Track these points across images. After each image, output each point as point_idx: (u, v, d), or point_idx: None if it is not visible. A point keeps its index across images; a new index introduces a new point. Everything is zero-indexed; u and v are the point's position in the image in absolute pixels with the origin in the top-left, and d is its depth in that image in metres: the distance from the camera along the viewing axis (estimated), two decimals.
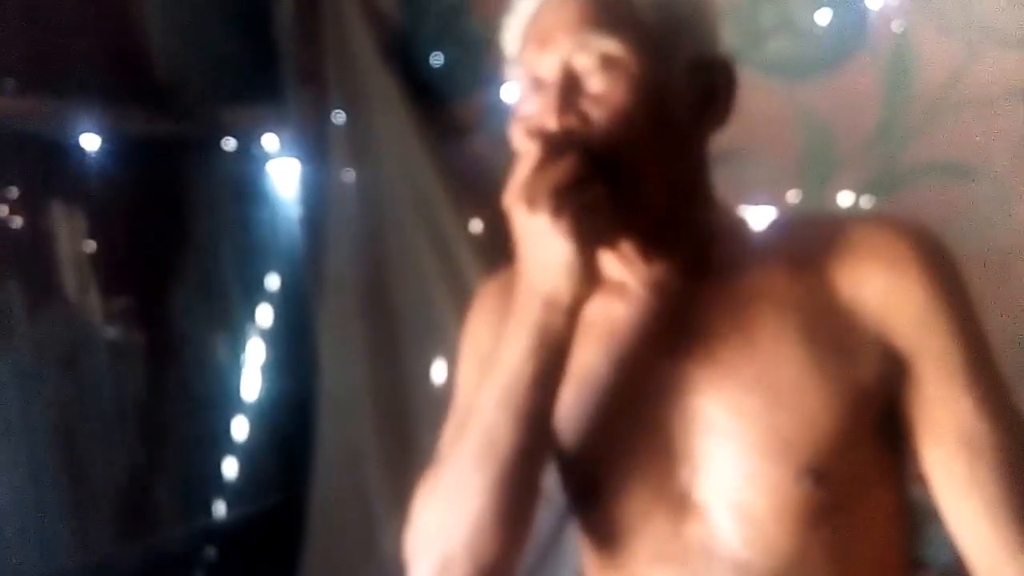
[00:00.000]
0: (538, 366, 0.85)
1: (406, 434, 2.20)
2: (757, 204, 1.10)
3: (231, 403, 2.33)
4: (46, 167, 1.98)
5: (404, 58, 2.33)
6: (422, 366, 2.24)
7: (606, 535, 0.93)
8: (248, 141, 2.40)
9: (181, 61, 2.24)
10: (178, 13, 2.25)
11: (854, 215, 1.70)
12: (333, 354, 2.33)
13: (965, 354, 0.85)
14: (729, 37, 0.95)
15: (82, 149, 2.03)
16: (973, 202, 1.74)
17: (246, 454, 2.32)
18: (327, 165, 2.36)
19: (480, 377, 0.89)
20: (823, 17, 1.87)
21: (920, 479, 0.88)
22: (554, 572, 1.84)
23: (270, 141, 2.42)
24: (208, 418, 2.29)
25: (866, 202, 1.86)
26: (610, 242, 0.89)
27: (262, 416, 2.35)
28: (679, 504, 0.89)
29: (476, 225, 2.24)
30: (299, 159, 2.43)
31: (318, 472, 2.30)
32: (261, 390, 2.37)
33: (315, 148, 2.38)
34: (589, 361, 0.92)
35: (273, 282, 2.42)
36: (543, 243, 0.83)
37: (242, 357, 2.37)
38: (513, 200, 0.83)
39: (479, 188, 2.09)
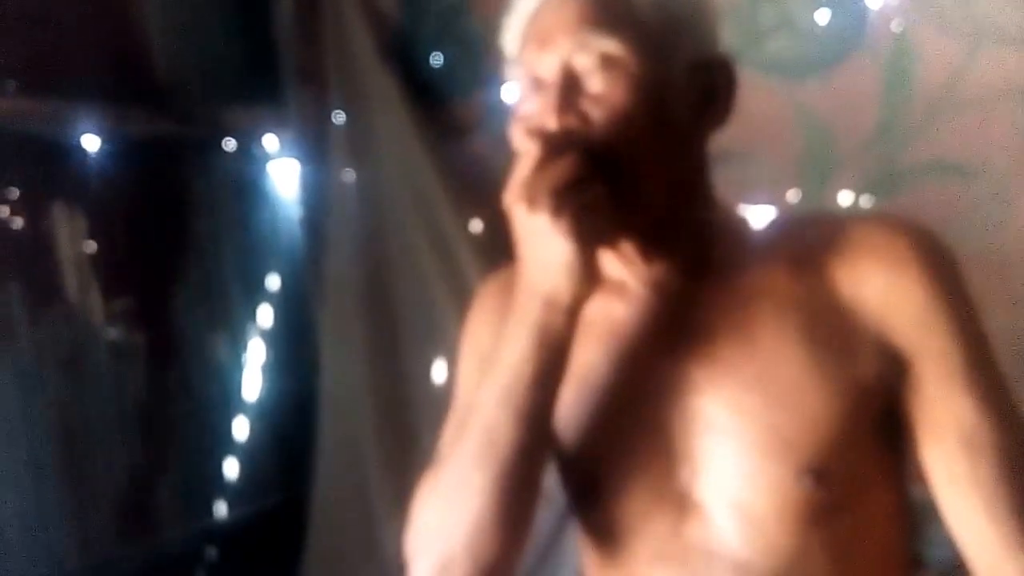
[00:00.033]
0: (538, 365, 0.85)
1: (407, 434, 2.21)
2: (757, 204, 1.11)
3: (232, 403, 2.33)
4: (47, 168, 1.98)
5: (404, 58, 2.33)
6: (422, 366, 2.24)
7: (606, 535, 0.93)
8: (248, 141, 2.40)
9: (181, 62, 2.25)
10: (178, 14, 2.25)
11: (854, 214, 1.70)
12: (334, 354, 2.34)
13: (965, 353, 0.85)
14: (729, 37, 0.95)
15: (83, 150, 2.03)
16: (973, 201, 1.74)
17: (247, 454, 2.32)
18: (327, 165, 2.36)
19: (480, 376, 0.89)
20: (823, 17, 1.87)
21: (920, 478, 0.88)
22: (554, 572, 1.84)
23: (270, 141, 2.42)
24: (209, 418, 2.29)
25: (866, 202, 1.86)
26: (610, 242, 0.89)
27: (263, 416, 2.35)
28: (679, 503, 0.89)
29: (476, 225, 2.24)
30: (299, 159, 2.43)
31: (319, 472, 2.30)
32: (262, 390, 2.37)
33: (315, 148, 2.39)
34: (589, 360, 0.92)
35: (274, 282, 2.42)
36: (543, 243, 0.83)
37: (243, 357, 2.37)
38: (513, 200, 0.83)
39: (479, 188, 2.09)
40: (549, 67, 0.87)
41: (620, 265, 0.93)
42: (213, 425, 2.30)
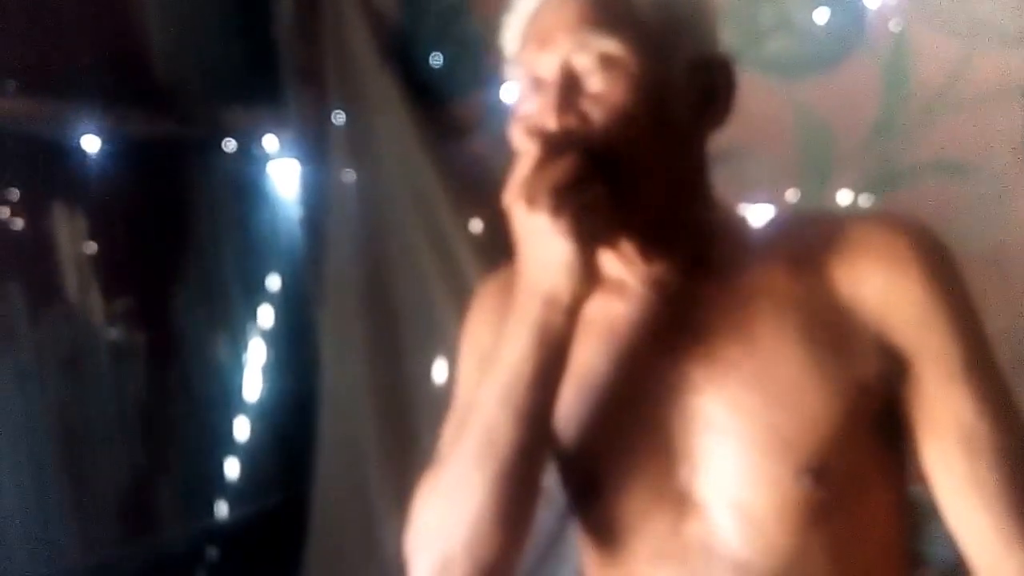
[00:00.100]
0: (538, 365, 0.85)
1: (407, 433, 2.21)
2: (756, 203, 1.11)
3: (232, 403, 2.33)
4: (47, 168, 1.98)
5: (404, 58, 2.33)
6: (423, 365, 2.24)
7: (606, 534, 0.93)
8: (248, 142, 2.40)
9: (181, 62, 2.25)
10: (178, 14, 2.25)
11: (853, 213, 1.70)
12: (334, 354, 2.34)
13: (964, 352, 0.85)
14: (728, 37, 0.95)
15: (83, 151, 2.04)
16: (972, 200, 1.74)
17: (248, 454, 2.33)
18: (327, 165, 2.36)
19: (480, 376, 0.89)
20: (821, 16, 1.87)
21: (920, 477, 0.88)
22: (554, 571, 1.84)
23: (270, 142, 2.42)
24: (210, 418, 2.30)
25: (865, 200, 1.86)
26: (610, 241, 0.89)
27: (263, 416, 2.35)
28: (679, 502, 0.89)
29: (476, 225, 2.24)
30: (299, 159, 2.43)
31: (319, 472, 2.30)
32: (262, 390, 2.37)
33: (315, 148, 2.39)
34: (589, 360, 0.92)
35: (274, 282, 2.42)
36: (543, 242, 0.83)
37: (243, 357, 2.37)
38: (513, 199, 0.83)
39: (479, 188, 2.09)
40: (549, 67, 0.87)
41: (620, 264, 0.93)
42: (213, 425, 2.31)
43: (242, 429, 2.33)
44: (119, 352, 2.12)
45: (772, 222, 0.97)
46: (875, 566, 0.90)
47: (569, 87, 0.86)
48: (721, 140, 0.93)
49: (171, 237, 2.24)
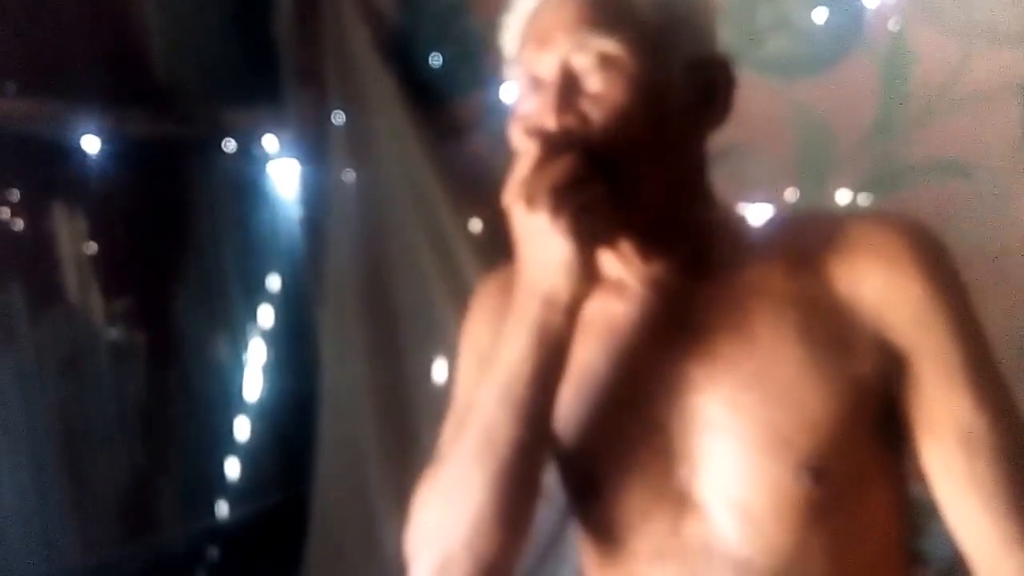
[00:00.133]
0: (537, 364, 0.85)
1: (407, 433, 2.21)
2: (755, 202, 1.11)
3: (233, 403, 2.34)
4: (47, 169, 1.99)
5: (403, 58, 2.33)
6: (422, 365, 2.24)
7: (605, 533, 0.93)
8: (248, 142, 2.40)
9: (181, 62, 2.25)
10: (178, 14, 2.25)
11: (852, 213, 1.70)
12: (334, 354, 2.34)
13: (963, 351, 0.86)
14: (726, 36, 0.95)
15: (83, 151, 2.04)
16: (970, 199, 1.74)
17: (248, 454, 2.33)
18: (327, 165, 2.37)
19: (479, 375, 0.90)
20: (820, 16, 1.87)
21: (920, 475, 0.88)
22: (554, 570, 1.84)
23: (270, 142, 2.43)
24: (210, 418, 2.30)
25: (864, 200, 1.86)
26: (609, 241, 0.89)
27: (263, 416, 2.36)
28: (678, 501, 0.89)
29: (475, 224, 2.24)
30: (299, 159, 2.43)
31: (320, 471, 2.31)
32: (262, 390, 2.37)
33: (315, 148, 2.39)
34: (588, 359, 0.92)
35: (274, 282, 2.42)
36: (542, 242, 0.83)
37: (243, 357, 2.37)
38: (512, 199, 0.83)
39: (478, 187, 2.09)
40: (548, 67, 0.87)
41: (619, 264, 0.93)
42: (213, 425, 2.31)
43: (242, 429, 2.34)
44: (119, 352, 2.12)
45: (771, 221, 0.98)
46: (875, 564, 0.90)
47: (568, 87, 0.86)
48: (720, 140, 0.93)
49: (171, 237, 2.24)
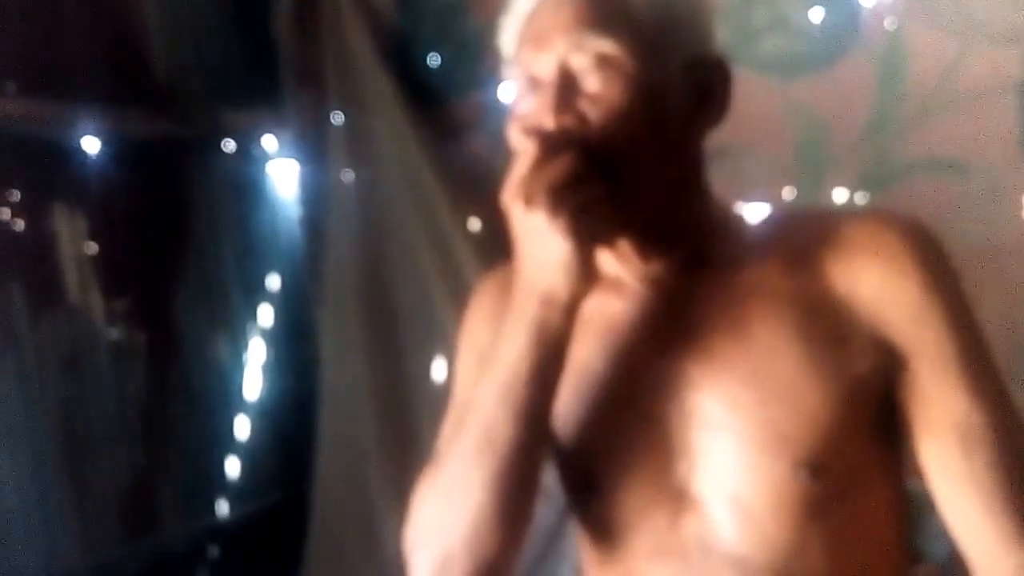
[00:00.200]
0: (536, 362, 0.85)
1: (407, 432, 2.21)
2: (753, 201, 1.11)
3: (233, 402, 2.34)
4: (47, 170, 1.98)
5: (402, 58, 2.34)
6: (422, 364, 2.24)
7: (604, 530, 0.94)
8: (248, 142, 2.41)
9: (181, 63, 2.25)
10: (177, 15, 2.25)
11: (848, 211, 1.71)
12: (334, 353, 2.34)
13: (960, 348, 0.86)
14: (723, 36, 0.95)
15: (83, 151, 2.04)
16: (966, 197, 1.74)
17: (248, 453, 2.33)
18: (326, 165, 2.37)
19: (478, 374, 0.90)
20: (816, 15, 1.88)
21: (918, 472, 0.88)
22: (554, 568, 1.84)
23: (269, 142, 2.43)
24: (210, 418, 2.30)
25: (860, 198, 1.86)
26: (607, 240, 0.89)
27: (264, 415, 2.36)
28: (677, 499, 0.89)
29: (474, 223, 2.24)
30: (298, 160, 2.44)
31: (320, 471, 2.31)
32: (262, 389, 2.37)
33: (314, 149, 2.39)
34: (587, 357, 0.92)
35: (274, 282, 2.42)
36: (541, 241, 0.83)
37: (243, 357, 2.37)
38: (511, 198, 0.84)
39: (477, 187, 2.09)
40: (546, 67, 0.87)
41: (617, 263, 0.93)
42: (214, 424, 2.31)
43: (242, 428, 2.34)
44: (119, 352, 2.12)
45: (768, 220, 0.98)
46: (873, 561, 0.91)
47: (566, 87, 0.86)
48: (717, 139, 0.94)
49: (171, 237, 2.24)
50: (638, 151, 0.86)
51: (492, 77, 1.46)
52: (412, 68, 2.33)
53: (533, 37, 0.89)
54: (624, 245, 0.91)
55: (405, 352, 2.29)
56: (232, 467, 2.32)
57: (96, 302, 2.07)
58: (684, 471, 0.89)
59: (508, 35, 0.94)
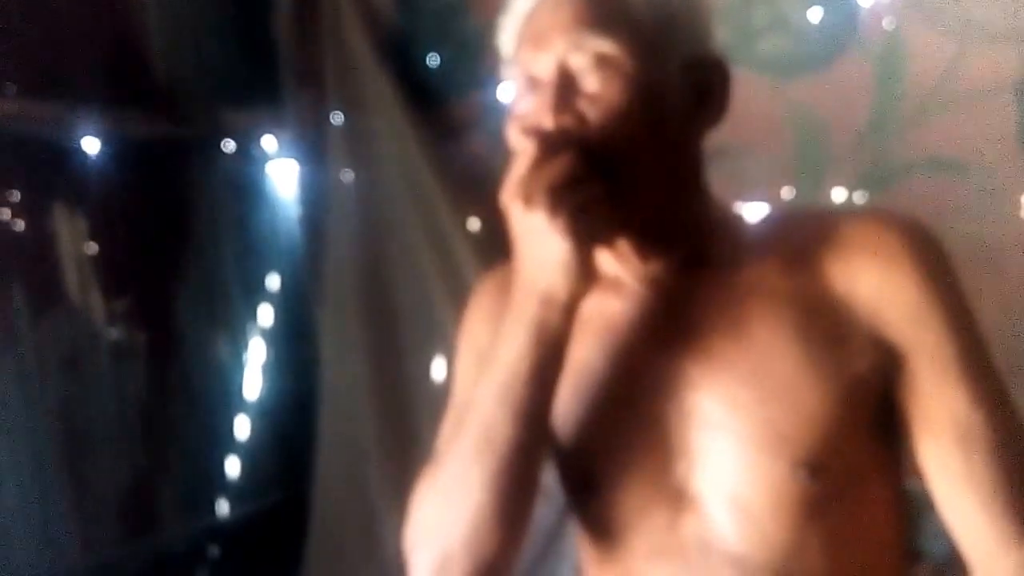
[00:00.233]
0: (535, 362, 0.86)
1: (407, 432, 2.21)
2: (752, 201, 1.11)
3: (233, 402, 2.34)
4: (47, 170, 1.98)
5: (402, 58, 2.33)
6: (422, 364, 2.25)
7: (603, 530, 0.94)
8: (247, 142, 2.41)
9: (181, 63, 2.25)
10: (177, 15, 2.25)
11: (847, 210, 1.71)
12: (333, 353, 2.34)
13: (959, 347, 0.86)
14: (722, 36, 0.95)
15: (83, 152, 2.04)
16: (965, 196, 1.74)
17: (248, 453, 2.33)
18: (326, 166, 2.37)
19: (477, 373, 0.90)
20: (815, 15, 1.88)
21: (917, 471, 0.89)
22: (553, 568, 1.84)
23: (269, 142, 2.43)
24: (210, 417, 2.30)
25: (859, 198, 1.86)
26: (606, 240, 0.89)
27: (264, 415, 2.36)
28: (676, 498, 0.89)
29: (474, 223, 2.24)
30: (298, 160, 2.44)
31: (320, 470, 2.31)
32: (262, 389, 2.37)
33: (314, 149, 2.39)
34: (586, 357, 0.92)
35: (273, 282, 2.43)
36: (540, 241, 0.83)
37: (243, 357, 2.37)
38: (510, 198, 0.84)
39: (476, 187, 2.09)
40: (545, 67, 0.87)
41: (616, 262, 0.93)
42: (214, 424, 2.31)
43: (242, 428, 2.34)
44: (119, 352, 2.12)
45: (767, 219, 0.98)
46: (872, 560, 0.91)
47: (565, 87, 0.86)
48: (716, 139, 0.94)
49: (171, 237, 2.24)
50: (637, 151, 0.86)
51: (492, 77, 1.46)
52: (412, 68, 2.33)
53: (532, 37, 0.89)
54: (623, 245, 0.91)
55: (405, 352, 2.29)
56: (232, 467, 2.32)
57: (96, 302, 2.07)
58: (683, 471, 0.89)
59: (507, 35, 0.94)
